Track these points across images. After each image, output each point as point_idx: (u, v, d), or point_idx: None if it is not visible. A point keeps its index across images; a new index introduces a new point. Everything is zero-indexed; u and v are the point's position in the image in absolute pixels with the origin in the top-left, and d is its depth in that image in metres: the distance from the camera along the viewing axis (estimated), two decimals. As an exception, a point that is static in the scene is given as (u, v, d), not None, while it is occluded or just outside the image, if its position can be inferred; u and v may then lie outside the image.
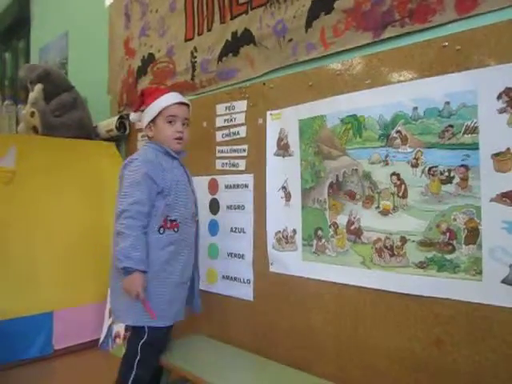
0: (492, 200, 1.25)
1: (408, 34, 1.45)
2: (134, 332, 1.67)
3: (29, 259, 2.29)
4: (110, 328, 2.42)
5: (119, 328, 2.36)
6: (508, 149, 1.22)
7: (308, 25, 1.72)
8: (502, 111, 1.23)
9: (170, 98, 1.72)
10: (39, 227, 2.36)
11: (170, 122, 1.70)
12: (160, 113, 1.70)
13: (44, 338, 2.33)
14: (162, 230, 1.63)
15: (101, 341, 2.44)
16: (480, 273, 1.27)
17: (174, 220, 1.66)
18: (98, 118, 2.90)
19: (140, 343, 1.62)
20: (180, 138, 1.72)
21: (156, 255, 1.62)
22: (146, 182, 1.59)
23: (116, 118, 2.73)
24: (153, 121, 1.72)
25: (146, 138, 1.82)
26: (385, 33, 1.50)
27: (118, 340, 2.36)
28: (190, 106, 1.79)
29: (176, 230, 1.66)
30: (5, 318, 2.13)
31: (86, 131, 2.77)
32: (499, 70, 1.24)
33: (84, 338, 2.43)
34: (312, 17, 1.70)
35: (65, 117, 2.67)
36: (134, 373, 1.61)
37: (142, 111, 1.77)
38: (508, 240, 1.22)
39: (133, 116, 1.86)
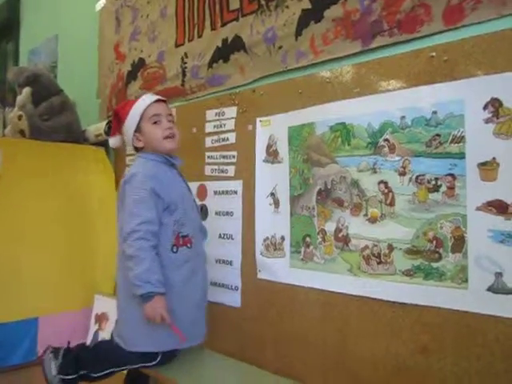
0: (478, 209, 1.26)
1: (396, 43, 1.46)
2: (144, 355, 1.56)
3: (14, 265, 2.25)
4: (95, 335, 2.39)
5: (105, 335, 2.34)
6: (493, 158, 1.23)
7: (298, 33, 1.73)
8: (488, 121, 1.25)
9: (146, 99, 1.65)
10: (25, 232, 2.33)
11: (156, 122, 1.61)
12: (142, 117, 1.61)
13: (28, 344, 2.29)
14: (175, 248, 1.54)
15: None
16: (466, 281, 1.28)
17: (187, 235, 1.57)
18: (87, 122, 2.87)
19: (148, 365, 1.56)
20: (171, 136, 1.63)
21: (173, 276, 1.53)
22: (152, 199, 1.48)
23: (105, 122, 2.71)
24: (137, 129, 1.63)
25: (135, 151, 1.73)
26: (373, 42, 1.51)
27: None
28: (167, 102, 1.73)
29: (190, 245, 1.58)
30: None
31: (74, 135, 2.74)
32: (486, 80, 1.25)
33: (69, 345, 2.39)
34: (302, 25, 1.71)
35: (53, 120, 2.64)
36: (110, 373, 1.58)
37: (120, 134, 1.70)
38: (493, 248, 1.23)
39: (112, 141, 1.76)
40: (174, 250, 1.54)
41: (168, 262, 1.52)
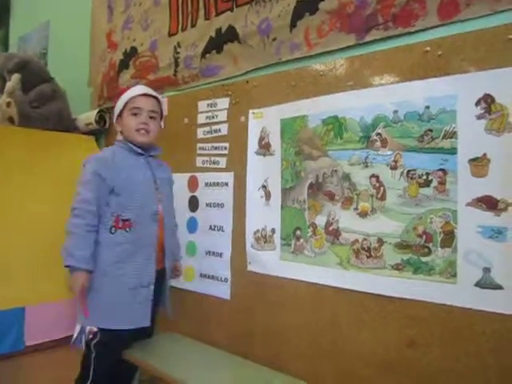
0: (468, 204, 1.26)
1: (391, 37, 1.46)
2: (90, 331, 1.64)
3: (0, 253, 2.23)
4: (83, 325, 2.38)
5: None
6: (484, 154, 1.24)
7: (292, 24, 1.72)
8: (480, 117, 1.25)
9: (134, 90, 1.72)
10: (12, 221, 2.30)
11: (135, 114, 1.67)
12: (125, 105, 1.69)
13: (15, 333, 2.27)
14: (113, 229, 1.60)
15: (74, 338, 2.38)
16: (454, 275, 1.29)
17: (127, 220, 1.61)
18: (78, 110, 2.84)
19: (93, 343, 1.61)
20: (144, 130, 1.68)
21: (106, 254, 1.59)
22: (94, 181, 1.58)
23: (96, 111, 2.68)
24: (120, 115, 1.72)
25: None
26: (368, 35, 1.51)
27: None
28: (159, 99, 1.75)
29: (128, 229, 1.61)
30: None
31: (64, 124, 2.71)
32: (479, 76, 1.26)
33: (57, 335, 2.37)
34: (297, 17, 1.70)
35: (43, 108, 2.61)
36: (92, 368, 1.62)
37: None
38: (482, 244, 1.24)
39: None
40: (112, 231, 1.60)
41: (104, 242, 1.59)
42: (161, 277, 1.72)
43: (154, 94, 1.75)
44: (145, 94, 1.71)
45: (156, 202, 1.69)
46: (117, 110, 1.73)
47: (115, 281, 1.59)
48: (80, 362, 1.69)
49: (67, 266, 1.53)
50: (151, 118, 1.70)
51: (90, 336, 1.63)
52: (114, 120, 1.76)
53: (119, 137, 1.77)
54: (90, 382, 1.61)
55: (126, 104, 1.69)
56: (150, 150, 1.74)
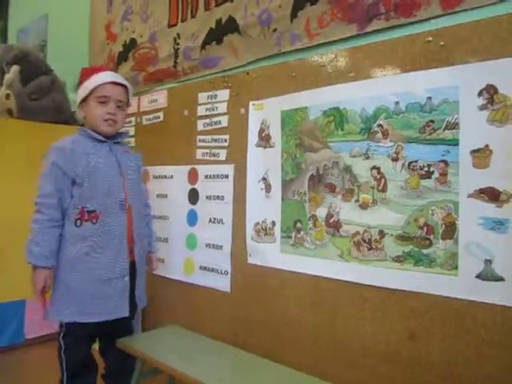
0: (470, 196, 1.26)
1: (393, 27, 1.44)
2: (59, 325, 1.64)
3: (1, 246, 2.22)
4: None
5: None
6: (486, 145, 1.23)
7: (293, 15, 1.70)
8: (482, 108, 1.24)
9: (103, 77, 1.64)
10: (11, 213, 2.30)
11: (103, 102, 1.61)
12: (92, 92, 1.61)
13: (15, 326, 2.28)
14: (78, 222, 1.55)
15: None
16: (456, 267, 1.28)
17: (93, 211, 1.56)
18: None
19: (61, 336, 1.61)
20: (111, 120, 1.62)
21: (73, 248, 1.55)
22: (53, 172, 1.53)
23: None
24: (84, 100, 1.64)
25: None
26: (370, 26, 1.49)
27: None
28: (128, 88, 1.71)
29: (95, 221, 1.56)
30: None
31: (63, 116, 2.70)
32: (481, 66, 1.24)
33: (56, 328, 2.37)
34: (297, 7, 1.68)
35: (42, 100, 2.59)
36: (64, 362, 1.61)
37: None
38: (484, 236, 1.23)
39: (74, 96, 1.81)
40: (78, 224, 1.56)
41: (69, 235, 1.55)
42: (134, 269, 1.69)
43: (124, 82, 1.70)
44: (113, 82, 1.64)
45: (122, 190, 1.64)
46: (81, 95, 1.64)
47: (85, 274, 1.56)
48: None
49: (29, 263, 1.52)
50: (118, 107, 1.65)
51: (60, 330, 1.62)
52: (77, 104, 1.68)
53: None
54: (66, 376, 1.61)
55: (92, 90, 1.61)
56: (114, 136, 1.69)
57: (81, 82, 1.68)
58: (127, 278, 1.63)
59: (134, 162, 1.75)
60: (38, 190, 1.54)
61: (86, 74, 1.68)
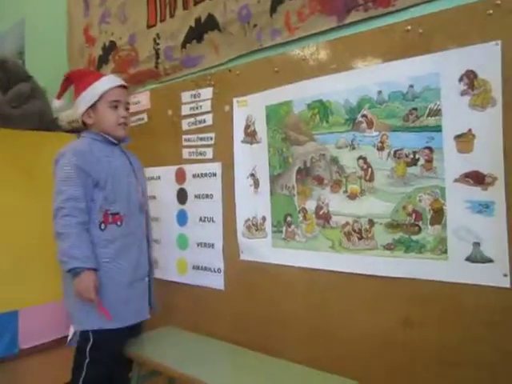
0: (456, 180, 1.28)
1: (372, 18, 1.46)
2: (81, 336, 1.57)
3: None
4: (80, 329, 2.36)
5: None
6: (469, 130, 1.25)
7: (273, 10, 1.70)
8: (463, 93, 1.26)
9: (111, 81, 1.64)
10: (-1, 223, 2.27)
11: (115, 106, 1.61)
12: (101, 97, 1.60)
13: (9, 337, 2.25)
14: (103, 225, 1.53)
15: (69, 338, 2.37)
16: (445, 252, 1.30)
17: (117, 213, 1.56)
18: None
19: (88, 346, 1.53)
20: (124, 124, 1.64)
21: (100, 253, 1.52)
22: (78, 176, 1.49)
23: (78, 108, 2.64)
24: (92, 106, 1.61)
25: (82, 125, 1.71)
26: (349, 17, 1.50)
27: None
28: (128, 88, 1.73)
29: (119, 224, 1.56)
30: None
31: (46, 123, 2.65)
32: (460, 52, 1.26)
33: (51, 336, 2.35)
34: (277, 1, 1.69)
35: (23, 108, 2.55)
36: (84, 373, 1.54)
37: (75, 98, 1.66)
38: (471, 219, 1.25)
39: (56, 104, 1.75)
40: (102, 228, 1.53)
41: (96, 240, 1.52)
42: (150, 270, 1.72)
43: (126, 84, 1.72)
44: (122, 86, 1.66)
45: (139, 192, 1.67)
46: (89, 102, 1.60)
47: (112, 279, 1.53)
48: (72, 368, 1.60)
49: (70, 270, 1.44)
50: (126, 109, 1.66)
51: (83, 340, 1.55)
52: (81, 111, 1.63)
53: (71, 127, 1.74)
54: None
55: (101, 96, 1.60)
56: (122, 139, 1.69)
57: (65, 88, 1.69)
58: (147, 279, 1.65)
59: (139, 163, 1.78)
60: (58, 194, 1.48)
61: (83, 77, 1.65)
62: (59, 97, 1.72)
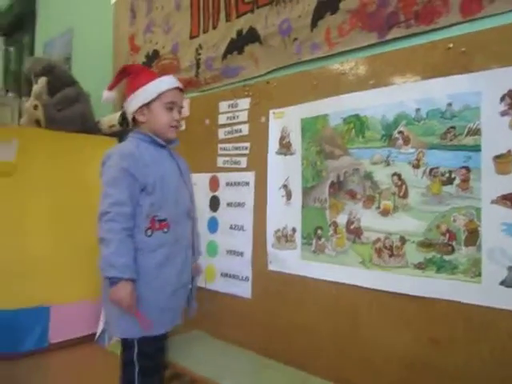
0: (492, 202, 1.25)
1: (413, 35, 1.46)
2: (125, 344, 1.51)
3: (26, 253, 2.28)
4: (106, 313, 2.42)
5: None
6: (509, 151, 1.22)
7: (313, 24, 1.73)
8: (504, 114, 1.24)
9: (170, 82, 1.57)
10: (39, 221, 2.36)
11: (170, 108, 1.54)
12: (158, 96, 1.52)
13: (40, 331, 2.32)
14: (149, 231, 1.46)
15: (97, 336, 2.44)
16: (479, 274, 1.27)
17: (164, 220, 1.48)
18: (102, 113, 2.90)
19: (134, 355, 1.47)
20: (176, 127, 1.58)
21: (146, 260, 1.45)
22: (125, 179, 1.41)
23: (119, 113, 2.73)
24: (147, 104, 1.53)
25: (132, 122, 1.63)
26: (390, 34, 1.51)
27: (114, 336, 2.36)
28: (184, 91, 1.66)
29: (166, 230, 1.49)
30: (1, 308, 2.13)
31: (88, 126, 2.77)
32: (503, 72, 1.24)
33: (80, 333, 2.42)
34: (317, 16, 1.71)
35: (67, 111, 2.67)
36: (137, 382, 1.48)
37: (129, 93, 1.56)
38: (507, 242, 1.22)
39: (107, 95, 1.65)
40: (149, 234, 1.46)
41: (142, 246, 1.45)
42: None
43: (183, 87, 1.65)
44: (179, 88, 1.59)
45: (187, 197, 1.60)
46: (144, 99, 1.53)
47: (157, 287, 1.47)
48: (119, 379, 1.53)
49: (109, 278, 1.38)
50: (179, 112, 1.59)
51: (127, 348, 1.48)
52: (135, 108, 1.55)
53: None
54: None
55: (159, 95, 1.52)
56: (171, 141, 1.61)
57: (119, 80, 1.62)
58: (190, 286, 1.61)
59: (186, 165, 1.69)
60: (104, 198, 1.41)
61: (141, 73, 1.59)
62: (111, 88, 1.63)
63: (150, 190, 1.45)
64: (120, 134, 2.82)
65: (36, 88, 2.61)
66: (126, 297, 1.37)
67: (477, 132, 1.28)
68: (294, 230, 1.77)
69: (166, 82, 1.56)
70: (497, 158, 1.25)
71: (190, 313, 1.67)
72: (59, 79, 2.73)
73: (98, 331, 2.43)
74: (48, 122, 2.60)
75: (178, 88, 1.58)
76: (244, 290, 1.96)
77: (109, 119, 2.79)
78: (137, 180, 1.43)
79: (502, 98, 1.24)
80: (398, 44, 1.49)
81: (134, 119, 1.59)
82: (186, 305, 1.64)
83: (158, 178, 1.48)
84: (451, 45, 1.35)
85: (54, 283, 2.34)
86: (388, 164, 1.48)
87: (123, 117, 2.71)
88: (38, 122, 2.62)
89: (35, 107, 2.59)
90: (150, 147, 1.54)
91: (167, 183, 1.50)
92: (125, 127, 2.73)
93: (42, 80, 2.60)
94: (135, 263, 1.41)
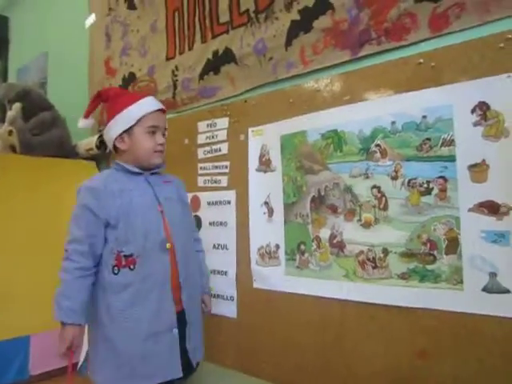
0: (470, 210, 1.28)
1: (384, 51, 1.50)
2: None
3: (3, 282, 2.22)
4: (88, 352, 2.35)
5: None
6: (483, 160, 1.26)
7: (288, 43, 1.76)
8: (476, 124, 1.28)
9: (151, 104, 1.49)
10: (14, 248, 2.30)
11: (153, 132, 1.46)
12: (139, 121, 1.44)
13: (20, 362, 2.25)
14: (116, 269, 1.37)
15: (79, 365, 2.36)
16: (461, 282, 1.29)
17: (130, 255, 1.37)
18: (78, 137, 2.87)
19: None
20: (161, 151, 1.50)
21: (113, 299, 1.36)
22: (84, 217, 1.37)
23: (96, 136, 2.71)
24: (127, 131, 1.45)
25: (113, 150, 1.54)
26: (362, 51, 1.55)
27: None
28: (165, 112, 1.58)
29: (132, 267, 1.37)
30: (-22, 342, 2.06)
31: (65, 150, 2.74)
32: (472, 85, 1.29)
33: (62, 363, 2.34)
34: (292, 36, 1.74)
35: (44, 136, 2.64)
36: None
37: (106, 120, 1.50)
38: (486, 249, 1.25)
39: (83, 123, 1.57)
40: (115, 272, 1.37)
41: (108, 286, 1.37)
42: (184, 319, 1.47)
43: (165, 108, 1.56)
44: (161, 110, 1.51)
45: (163, 228, 1.45)
46: (124, 125, 1.44)
47: (131, 330, 1.36)
48: None
49: (57, 320, 1.33)
50: (163, 135, 1.52)
51: None
52: (115, 136, 1.47)
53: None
54: None
55: (139, 120, 1.44)
56: (150, 168, 1.51)
57: (95, 106, 1.57)
58: (176, 331, 1.41)
59: (175, 192, 1.58)
60: (66, 234, 1.38)
61: (119, 97, 1.50)
62: (87, 115, 1.56)
63: (113, 224, 1.38)
64: (98, 158, 2.80)
65: (10, 114, 2.57)
66: (65, 341, 1.32)
67: (451, 143, 1.32)
68: (277, 246, 1.78)
69: (146, 105, 1.48)
70: (472, 167, 1.28)
71: (192, 360, 1.50)
72: (35, 104, 2.70)
73: (81, 360, 2.36)
74: (23, 148, 2.56)
75: (160, 110, 1.51)
76: (229, 309, 1.94)
77: (86, 143, 2.77)
78: (97, 216, 1.37)
79: (473, 110, 1.28)
80: (371, 60, 1.53)
81: (114, 147, 1.51)
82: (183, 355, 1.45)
83: (122, 211, 1.39)
84: (421, 60, 1.39)
85: (32, 311, 2.27)
86: (367, 177, 1.50)
87: (100, 140, 2.70)
88: (12, 148, 2.58)
89: (10, 133, 2.55)
90: (123, 176, 1.47)
91: (134, 215, 1.40)
92: (102, 151, 2.71)
93: (17, 106, 2.57)
94: (86, 305, 1.36)
